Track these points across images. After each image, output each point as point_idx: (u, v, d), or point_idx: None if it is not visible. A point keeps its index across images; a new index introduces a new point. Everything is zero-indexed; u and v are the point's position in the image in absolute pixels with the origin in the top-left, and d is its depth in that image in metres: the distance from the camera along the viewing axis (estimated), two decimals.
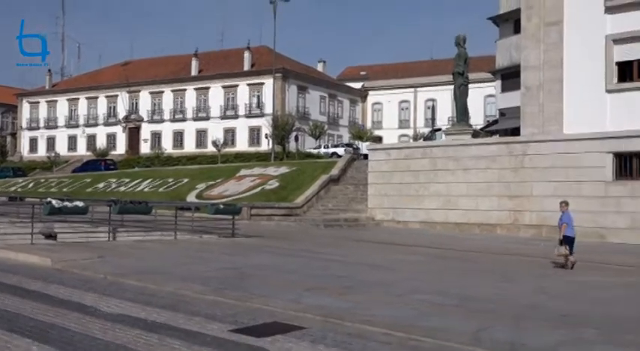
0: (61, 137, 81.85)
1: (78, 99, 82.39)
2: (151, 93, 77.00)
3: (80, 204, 20.75)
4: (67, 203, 19.28)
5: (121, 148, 76.66)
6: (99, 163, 57.86)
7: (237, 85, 71.72)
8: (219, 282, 12.48)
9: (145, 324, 8.66)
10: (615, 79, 24.24)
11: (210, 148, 62.48)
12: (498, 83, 40.34)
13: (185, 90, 75.10)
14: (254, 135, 69.25)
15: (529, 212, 25.22)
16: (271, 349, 7.52)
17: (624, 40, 23.93)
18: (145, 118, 77.06)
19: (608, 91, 24.21)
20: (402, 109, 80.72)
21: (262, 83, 69.44)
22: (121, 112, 78.35)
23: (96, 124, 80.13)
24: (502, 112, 39.13)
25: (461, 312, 10.38)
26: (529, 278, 14.90)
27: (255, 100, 70.20)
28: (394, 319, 9.33)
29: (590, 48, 24.55)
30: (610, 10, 24.18)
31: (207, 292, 11.31)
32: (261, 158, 50.77)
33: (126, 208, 22.07)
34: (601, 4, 24.33)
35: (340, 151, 51.65)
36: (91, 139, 78.66)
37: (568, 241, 16.15)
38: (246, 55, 71.72)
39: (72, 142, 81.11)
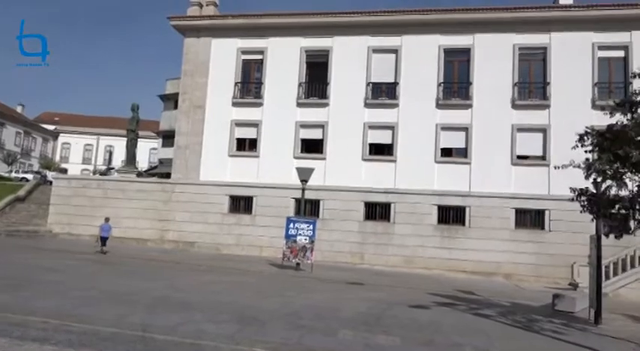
0: None
1: None
2: None
3: None
4: None
5: None
6: None
7: None
8: None
9: None
10: (235, 148, 25.74)
11: None
12: (160, 141, 39.78)
13: None
14: None
15: (172, 231, 25.13)
16: None
17: (241, 124, 25.69)
18: None
19: (230, 156, 25.51)
20: (87, 150, 74.13)
21: None
22: None
23: None
24: (161, 161, 38.55)
25: (109, 303, 9.84)
26: (165, 277, 14.80)
27: None
28: (53, 310, 8.46)
29: (222, 126, 25.64)
30: (235, 104, 25.79)
31: None
32: None
33: None
34: (230, 100, 25.85)
35: (29, 176, 44.78)
36: None
37: (103, 239, 20.28)
38: None
39: None
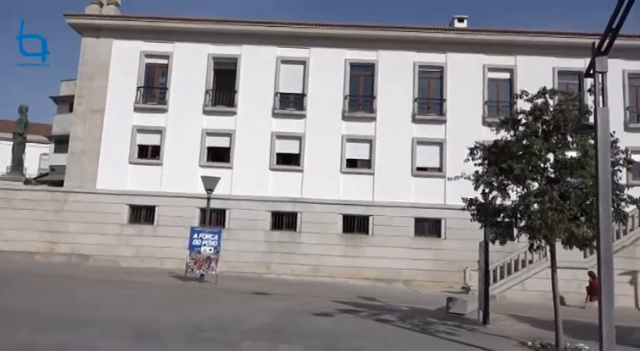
0: None
1: None
2: None
3: None
4: None
5: None
6: None
7: None
8: None
9: None
10: (136, 156, 24.63)
11: None
12: (52, 146, 37.07)
13: None
14: None
15: (64, 244, 23.42)
16: None
17: (144, 131, 24.66)
18: None
19: (131, 163, 24.38)
20: None
21: None
22: None
23: None
24: (53, 168, 35.85)
25: None
26: (54, 292, 13.75)
27: None
28: None
29: (123, 132, 24.44)
30: (137, 110, 24.74)
31: None
32: None
33: None
34: (132, 104, 24.65)
35: None
36: None
37: None
38: None
39: None
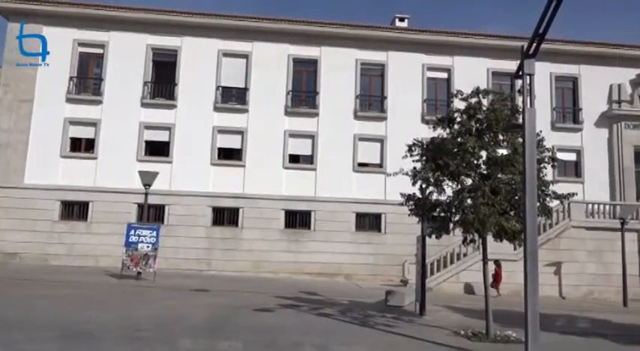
0: None
1: None
2: None
3: None
4: None
5: None
6: None
7: None
8: None
9: None
10: (68, 149, 23.50)
11: None
12: None
13: None
14: None
15: None
16: None
17: (77, 123, 23.59)
18: None
19: (62, 157, 23.22)
20: None
21: None
22: None
23: None
24: None
25: None
26: None
27: None
28: None
29: (53, 124, 23.24)
30: (70, 101, 23.58)
31: None
32: None
33: None
34: (63, 95, 23.51)
35: None
36: None
37: None
38: None
39: None
